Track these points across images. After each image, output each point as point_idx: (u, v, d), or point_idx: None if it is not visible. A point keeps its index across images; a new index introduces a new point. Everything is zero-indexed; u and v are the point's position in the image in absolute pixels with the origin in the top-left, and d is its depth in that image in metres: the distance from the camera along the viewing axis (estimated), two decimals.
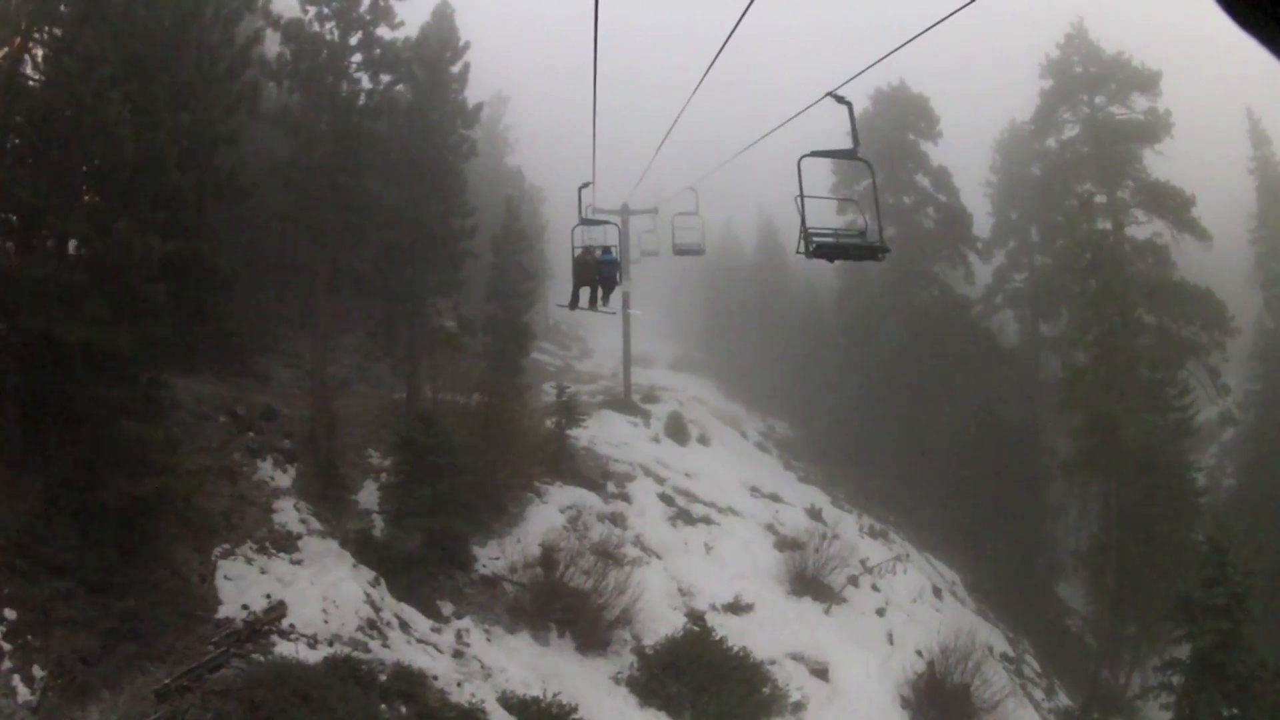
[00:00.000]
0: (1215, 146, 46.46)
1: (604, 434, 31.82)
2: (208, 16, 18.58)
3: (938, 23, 5.98)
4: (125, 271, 14.57)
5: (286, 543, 18.56)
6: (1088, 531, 34.91)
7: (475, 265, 27.28)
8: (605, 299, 14.09)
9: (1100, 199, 35.23)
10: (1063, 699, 27.82)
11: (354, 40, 23.02)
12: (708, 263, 41.12)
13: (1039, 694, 27.01)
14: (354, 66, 23.20)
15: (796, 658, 21.84)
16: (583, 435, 29.78)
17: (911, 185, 43.09)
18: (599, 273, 13.84)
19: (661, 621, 21.38)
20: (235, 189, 18.52)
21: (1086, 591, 32.72)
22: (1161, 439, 29.71)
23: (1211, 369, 33.54)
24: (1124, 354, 29.34)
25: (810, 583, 24.96)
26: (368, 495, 22.47)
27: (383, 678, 15.49)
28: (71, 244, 15.94)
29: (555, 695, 17.19)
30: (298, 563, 18.03)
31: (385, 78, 23.84)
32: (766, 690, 20.14)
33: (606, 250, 14.00)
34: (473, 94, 27.18)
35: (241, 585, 16.61)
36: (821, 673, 21.70)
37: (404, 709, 15.20)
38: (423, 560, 20.41)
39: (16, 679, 12.39)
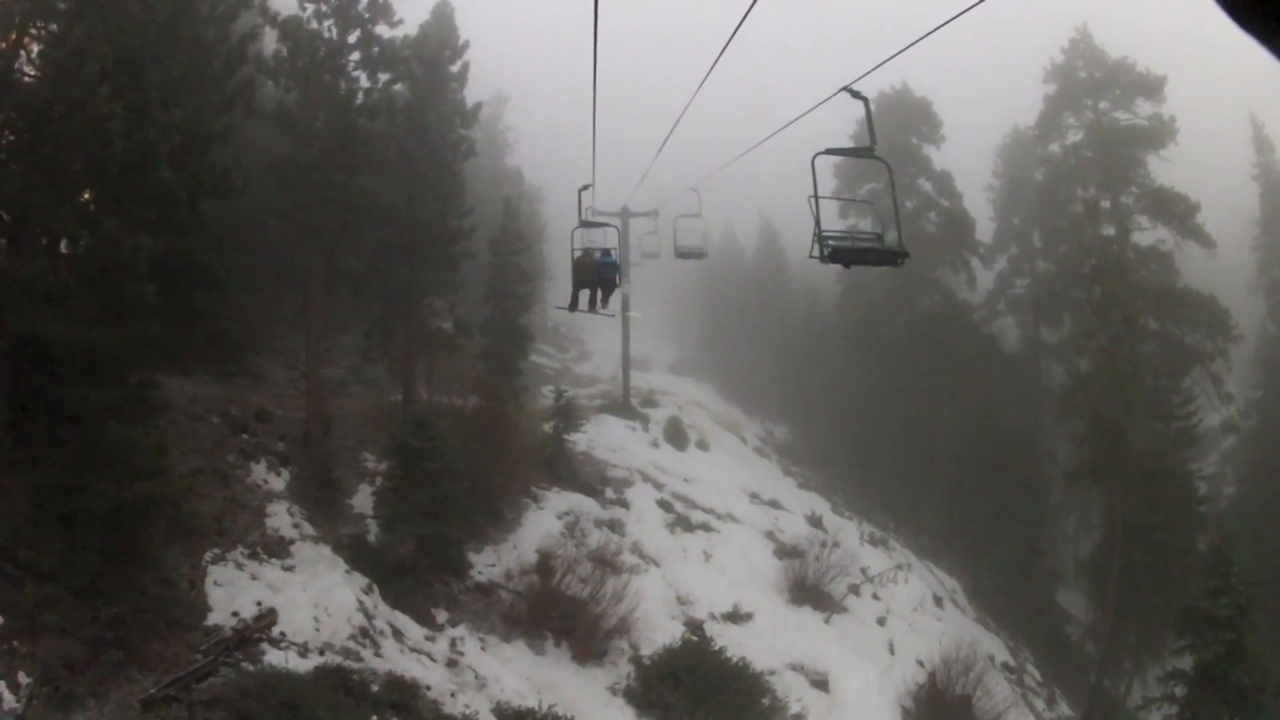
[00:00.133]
0: (1218, 152, 46.22)
1: (602, 438, 31.52)
2: (203, 12, 18.31)
3: (942, 25, 5.76)
4: (114, 270, 14.29)
5: (278, 548, 18.26)
6: (1089, 539, 34.71)
7: (473, 266, 27.04)
8: (604, 301, 14.05)
9: (1104, 204, 35.03)
10: (1064, 709, 27.59)
11: (352, 38, 22.81)
12: (708, 265, 40.74)
13: (1040, 704, 26.75)
14: (352, 65, 23.00)
15: (796, 668, 21.55)
16: (581, 440, 29.47)
17: (914, 189, 42.76)
18: (598, 275, 13.77)
19: (659, 630, 21.08)
20: (227, 186, 18.24)
21: (1087, 599, 32.51)
22: (1165, 447, 29.51)
23: (1215, 376, 33.35)
24: (1128, 361, 29.14)
25: (810, 591, 24.67)
26: (362, 499, 22.09)
27: (374, 688, 15.21)
28: (62, 243, 15.69)
29: (551, 706, 16.89)
30: (289, 569, 17.74)
31: (384, 76, 23.59)
32: (766, 701, 19.80)
33: (606, 252, 13.98)
34: (472, 93, 27.10)
35: (232, 591, 16.33)
36: (821, 683, 21.42)
37: None
38: (417, 566, 20.07)
39: (1, 685, 12.13)
